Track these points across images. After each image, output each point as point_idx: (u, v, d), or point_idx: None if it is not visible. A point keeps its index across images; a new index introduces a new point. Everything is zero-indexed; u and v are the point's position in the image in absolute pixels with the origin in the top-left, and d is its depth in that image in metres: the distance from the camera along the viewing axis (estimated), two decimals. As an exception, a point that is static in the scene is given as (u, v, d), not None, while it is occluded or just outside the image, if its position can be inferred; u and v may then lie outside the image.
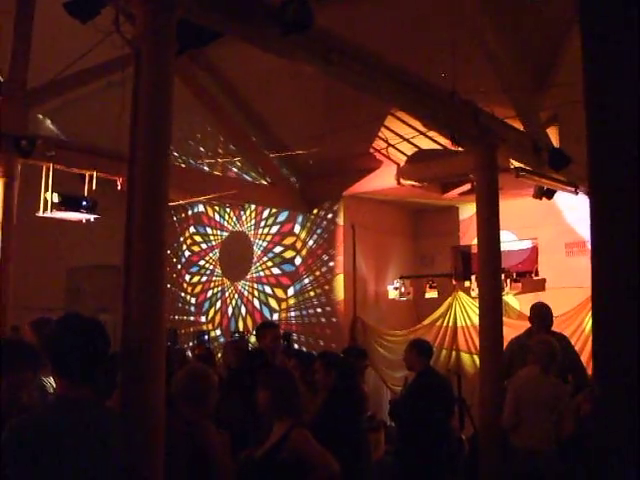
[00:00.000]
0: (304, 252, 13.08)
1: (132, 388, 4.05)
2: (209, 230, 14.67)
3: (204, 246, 14.76)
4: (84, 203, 9.20)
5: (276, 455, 4.86)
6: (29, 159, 8.96)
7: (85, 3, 4.67)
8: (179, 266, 15.02)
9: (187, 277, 14.93)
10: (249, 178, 12.83)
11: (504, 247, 8.57)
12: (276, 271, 13.46)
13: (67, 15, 4.93)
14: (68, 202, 9.11)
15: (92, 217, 9.67)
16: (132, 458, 3.65)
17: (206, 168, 12.48)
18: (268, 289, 13.53)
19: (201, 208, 14.68)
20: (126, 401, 4.06)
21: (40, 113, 10.83)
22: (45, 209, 9.08)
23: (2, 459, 3.29)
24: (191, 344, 13.61)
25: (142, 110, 4.06)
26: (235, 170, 12.83)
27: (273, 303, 13.42)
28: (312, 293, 12.93)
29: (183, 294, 14.81)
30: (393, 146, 11.14)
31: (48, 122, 12.43)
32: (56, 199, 8.97)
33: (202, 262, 14.78)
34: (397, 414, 8.03)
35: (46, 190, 9.14)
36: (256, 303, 13.66)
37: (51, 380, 5.46)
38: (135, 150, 4.05)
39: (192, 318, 14.54)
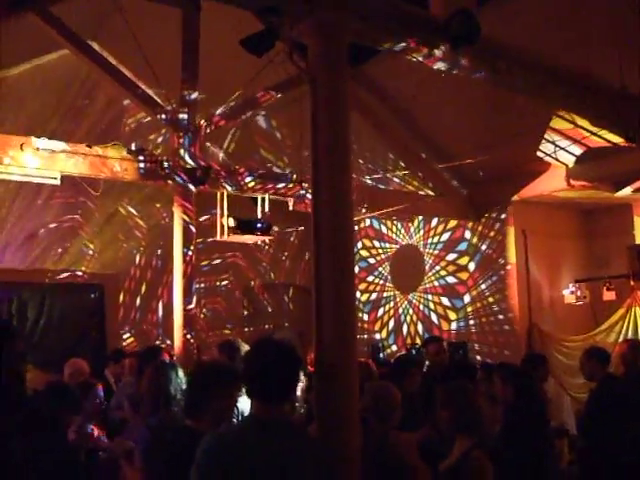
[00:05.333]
0: (475, 261, 12.94)
1: (326, 405, 4.13)
2: (378, 244, 14.73)
3: (373, 260, 14.82)
4: (259, 225, 9.47)
5: (456, 474, 4.88)
6: (204, 187, 9.35)
7: (260, 39, 4.87)
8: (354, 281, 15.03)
9: (357, 294, 14.94)
10: (417, 190, 12.85)
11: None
12: (448, 281, 13.37)
13: (228, 46, 5.15)
14: (243, 225, 9.41)
15: (267, 238, 9.96)
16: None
17: (369, 181, 12.58)
18: (441, 299, 13.46)
19: (368, 222, 14.76)
20: (321, 418, 4.15)
21: (208, 140, 11.23)
22: (222, 233, 9.41)
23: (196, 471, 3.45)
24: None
25: (322, 133, 4.16)
26: (399, 182, 12.87)
27: (447, 313, 13.34)
28: (485, 301, 12.76)
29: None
30: (561, 148, 10.88)
31: (217, 149, 12.91)
32: (232, 223, 9.28)
33: (371, 278, 14.83)
34: (584, 425, 7.80)
35: (222, 215, 9.48)
36: (429, 314, 13.61)
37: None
38: (318, 173, 4.15)
39: (365, 336, 14.59)
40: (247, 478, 3.39)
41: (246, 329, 13.60)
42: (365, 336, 14.49)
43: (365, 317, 14.72)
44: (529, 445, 6.12)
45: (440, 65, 5.62)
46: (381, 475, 4.93)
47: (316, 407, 4.23)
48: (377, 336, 14.43)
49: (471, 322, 12.92)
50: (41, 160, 8.17)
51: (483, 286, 12.84)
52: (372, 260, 14.81)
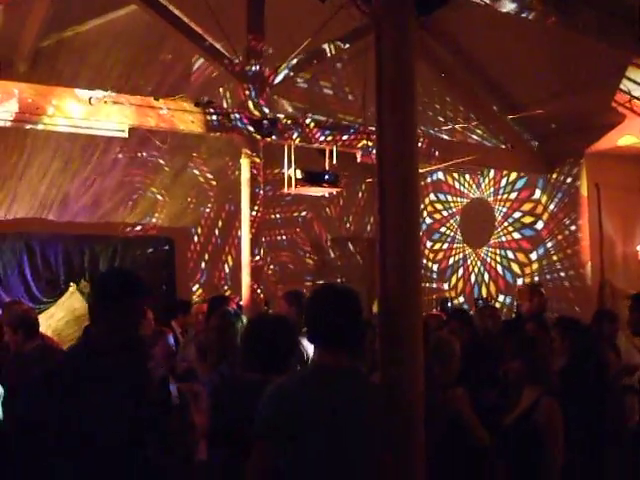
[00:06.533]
0: (546, 215, 12.72)
1: (390, 355, 4.10)
2: (449, 197, 14.59)
3: (444, 214, 14.69)
4: (326, 177, 9.42)
5: (526, 423, 4.86)
6: (271, 138, 9.36)
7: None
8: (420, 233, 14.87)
9: (428, 244, 14.85)
10: (486, 142, 12.66)
11: None
12: (518, 236, 13.19)
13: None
14: (311, 177, 9.37)
15: (334, 191, 9.94)
16: (391, 428, 3.69)
17: (438, 134, 12.43)
18: (510, 254, 13.29)
19: (439, 176, 14.62)
20: (385, 368, 4.12)
21: (275, 93, 11.20)
22: (289, 185, 9.41)
23: (259, 419, 3.47)
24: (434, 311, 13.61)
25: (387, 82, 4.07)
26: (470, 135, 12.69)
27: (516, 268, 13.18)
28: (556, 257, 12.56)
29: (425, 261, 14.72)
30: (637, 97, 10.56)
31: (283, 101, 12.89)
32: (299, 175, 9.26)
33: (442, 229, 14.72)
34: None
35: (289, 167, 9.47)
36: (499, 269, 13.47)
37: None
38: (382, 124, 4.08)
39: (434, 285, 14.54)
40: (308, 424, 3.39)
41: (314, 282, 13.63)
42: (434, 285, 14.46)
43: (434, 267, 14.65)
44: (587, 402, 6.04)
45: (509, 8, 5.48)
46: (443, 425, 4.94)
47: (380, 357, 4.20)
48: (445, 286, 14.37)
49: (541, 278, 12.73)
50: (86, 111, 8.22)
51: (551, 243, 12.63)
52: (444, 213, 14.68)
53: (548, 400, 4.85)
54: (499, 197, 13.50)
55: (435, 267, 14.72)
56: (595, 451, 6.10)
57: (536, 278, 12.78)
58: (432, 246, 14.77)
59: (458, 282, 14.25)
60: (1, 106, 7.71)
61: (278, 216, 13.69)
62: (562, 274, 12.48)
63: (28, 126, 8.36)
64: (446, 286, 14.44)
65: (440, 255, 14.71)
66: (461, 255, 14.25)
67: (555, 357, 6.42)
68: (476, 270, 13.88)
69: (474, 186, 14.03)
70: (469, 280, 14.02)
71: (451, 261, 14.45)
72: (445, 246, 14.63)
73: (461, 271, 14.20)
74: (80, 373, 3.50)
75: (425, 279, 14.48)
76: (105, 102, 8.23)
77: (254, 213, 9.26)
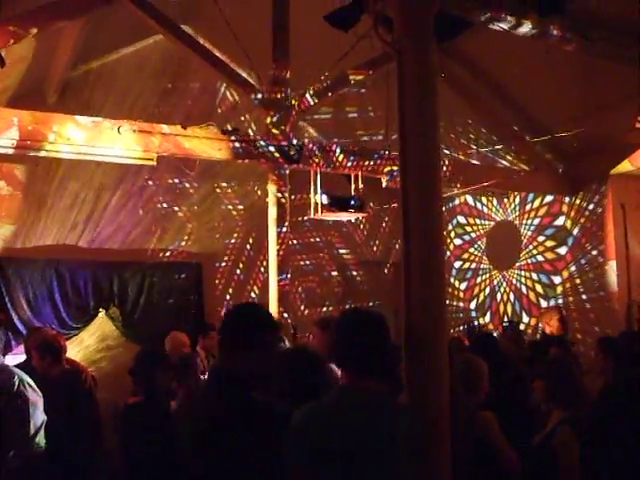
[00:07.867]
0: (572, 236, 12.66)
1: (416, 378, 4.15)
2: (471, 220, 14.57)
3: (469, 237, 14.65)
4: (352, 202, 9.50)
5: (545, 447, 4.87)
6: (297, 165, 9.45)
7: (345, 14, 4.90)
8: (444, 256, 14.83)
9: (455, 265, 14.82)
10: (510, 165, 12.66)
11: None
12: (544, 257, 13.14)
13: (317, 24, 5.19)
14: (337, 203, 9.45)
15: (361, 215, 9.99)
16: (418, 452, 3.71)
17: (462, 157, 12.46)
18: (537, 276, 13.24)
19: (463, 199, 14.62)
20: (411, 391, 4.17)
21: (299, 119, 11.31)
22: (316, 211, 9.49)
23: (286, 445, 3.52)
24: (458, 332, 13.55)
25: (409, 109, 4.15)
26: (494, 157, 12.70)
27: (543, 290, 13.12)
28: (583, 277, 12.48)
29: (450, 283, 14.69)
30: (662, 118, 10.53)
31: (308, 127, 13.01)
32: (325, 200, 9.33)
33: (466, 255, 14.69)
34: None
35: (315, 193, 9.55)
36: (525, 291, 13.42)
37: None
38: (405, 150, 4.15)
39: (461, 304, 14.50)
40: (336, 448, 3.42)
41: (342, 307, 13.65)
42: (461, 315, 14.42)
43: (462, 286, 14.61)
44: (631, 422, 6.02)
45: (529, 34, 5.54)
46: (471, 447, 4.95)
47: (405, 379, 4.25)
48: (473, 314, 14.32)
49: (569, 299, 12.65)
50: (87, 136, 8.24)
51: (577, 264, 12.56)
52: (467, 237, 14.67)
53: (564, 429, 4.84)
54: (525, 219, 13.46)
55: (462, 286, 14.65)
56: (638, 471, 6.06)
57: (560, 300, 12.71)
58: (459, 270, 14.71)
59: (484, 304, 14.18)
60: (2, 135, 7.76)
61: (305, 241, 13.76)
62: (589, 295, 12.40)
63: (31, 153, 8.39)
64: (473, 306, 14.38)
65: (465, 281, 14.66)
66: (487, 278, 14.19)
67: (594, 377, 6.44)
68: (502, 292, 13.82)
69: (498, 208, 14.00)
70: (495, 302, 13.94)
71: (477, 283, 14.39)
72: (470, 269, 14.57)
73: (487, 293, 14.14)
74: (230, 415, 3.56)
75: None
76: (134, 131, 8.35)
77: (281, 237, 9.35)
